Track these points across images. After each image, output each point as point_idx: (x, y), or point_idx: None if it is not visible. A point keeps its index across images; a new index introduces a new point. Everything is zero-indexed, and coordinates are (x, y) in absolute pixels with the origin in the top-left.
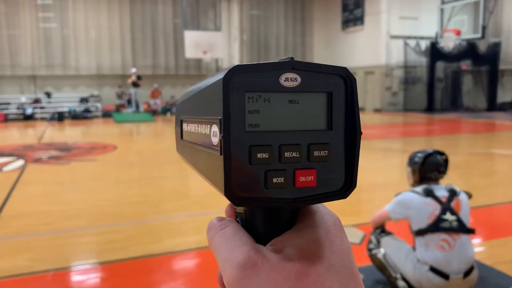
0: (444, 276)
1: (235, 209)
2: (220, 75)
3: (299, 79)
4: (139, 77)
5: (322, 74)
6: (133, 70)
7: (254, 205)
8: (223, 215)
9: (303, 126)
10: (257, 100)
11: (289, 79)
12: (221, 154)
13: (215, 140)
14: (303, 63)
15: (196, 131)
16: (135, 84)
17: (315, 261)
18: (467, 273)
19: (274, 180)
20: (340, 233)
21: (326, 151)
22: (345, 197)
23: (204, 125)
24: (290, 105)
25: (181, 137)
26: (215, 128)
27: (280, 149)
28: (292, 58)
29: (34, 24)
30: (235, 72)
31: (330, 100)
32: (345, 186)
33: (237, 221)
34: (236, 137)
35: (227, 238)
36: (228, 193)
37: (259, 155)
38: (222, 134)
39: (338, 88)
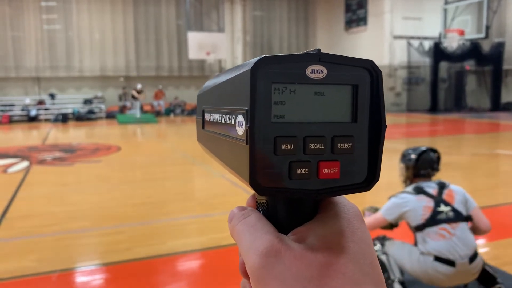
0: (450, 263)
1: (256, 199)
2: (247, 66)
3: (325, 71)
4: (138, 92)
5: (348, 67)
6: (138, 86)
7: (277, 195)
8: (227, 216)
9: (328, 118)
10: (283, 92)
11: (316, 71)
12: (247, 144)
13: (241, 130)
14: (330, 55)
15: (220, 121)
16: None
17: (337, 251)
18: (472, 258)
19: (298, 171)
20: (360, 224)
21: (350, 144)
22: (368, 190)
23: (228, 115)
24: (316, 97)
25: (203, 127)
26: (240, 118)
27: (304, 141)
28: (319, 50)
29: (38, 26)
30: (262, 63)
31: (356, 93)
32: (368, 178)
33: (259, 211)
34: (262, 127)
35: (250, 227)
36: (253, 183)
37: (284, 146)
38: (248, 125)
39: (363, 81)
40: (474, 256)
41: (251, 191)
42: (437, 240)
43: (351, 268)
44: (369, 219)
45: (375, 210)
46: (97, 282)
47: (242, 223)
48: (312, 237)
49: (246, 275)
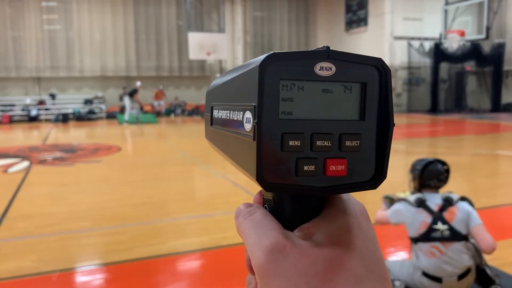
0: (437, 279)
1: (263, 195)
2: (256, 63)
3: (334, 69)
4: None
5: (357, 64)
6: (138, 83)
7: (284, 191)
8: (228, 216)
9: (336, 115)
10: (291, 88)
11: (324, 68)
12: (254, 140)
13: (248, 126)
14: (339, 52)
15: (228, 117)
16: (131, 94)
17: (343, 248)
18: (462, 276)
19: (305, 167)
20: (367, 222)
21: (358, 141)
22: (375, 188)
23: (236, 112)
24: (324, 94)
25: (211, 124)
26: (248, 115)
27: (312, 138)
28: (328, 47)
29: (38, 26)
30: (271, 59)
31: (364, 91)
32: (375, 176)
33: (265, 208)
34: (269, 124)
35: (256, 224)
36: (259, 179)
37: (291, 143)
38: (256, 121)
39: (372, 79)
40: (464, 274)
41: (252, 192)
42: (428, 257)
43: (356, 265)
44: (378, 215)
45: (390, 200)
46: (97, 282)
47: (248, 220)
48: (318, 234)
49: (252, 270)
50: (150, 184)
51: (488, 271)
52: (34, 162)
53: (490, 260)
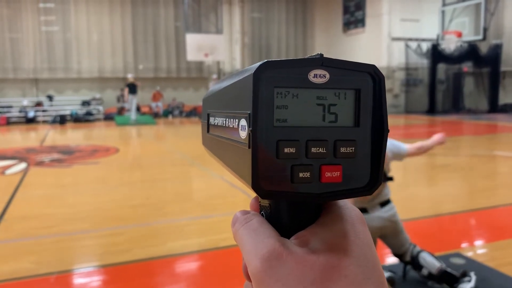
0: (364, 210)
1: (259, 202)
2: (250, 71)
3: (327, 76)
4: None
5: (351, 71)
6: (129, 75)
7: (280, 198)
8: (226, 217)
9: (331, 122)
10: (285, 96)
11: (318, 76)
12: (249, 147)
13: (243, 134)
14: (332, 60)
15: (224, 124)
16: (133, 91)
17: (340, 254)
18: (383, 204)
19: (301, 174)
20: (363, 227)
21: (353, 148)
22: (370, 194)
23: (232, 119)
24: (318, 101)
25: (208, 131)
26: (243, 122)
27: (307, 145)
28: (321, 54)
29: (36, 28)
30: (265, 67)
31: (358, 97)
32: (370, 182)
33: (262, 215)
34: (264, 131)
35: (252, 231)
36: (255, 186)
37: (286, 150)
38: (251, 128)
39: (366, 85)
40: (384, 203)
41: (251, 193)
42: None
43: (353, 271)
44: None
45: None
46: (96, 283)
47: (245, 227)
48: (314, 241)
49: (249, 277)
50: (149, 185)
51: (451, 271)
52: (32, 163)
53: (488, 260)
